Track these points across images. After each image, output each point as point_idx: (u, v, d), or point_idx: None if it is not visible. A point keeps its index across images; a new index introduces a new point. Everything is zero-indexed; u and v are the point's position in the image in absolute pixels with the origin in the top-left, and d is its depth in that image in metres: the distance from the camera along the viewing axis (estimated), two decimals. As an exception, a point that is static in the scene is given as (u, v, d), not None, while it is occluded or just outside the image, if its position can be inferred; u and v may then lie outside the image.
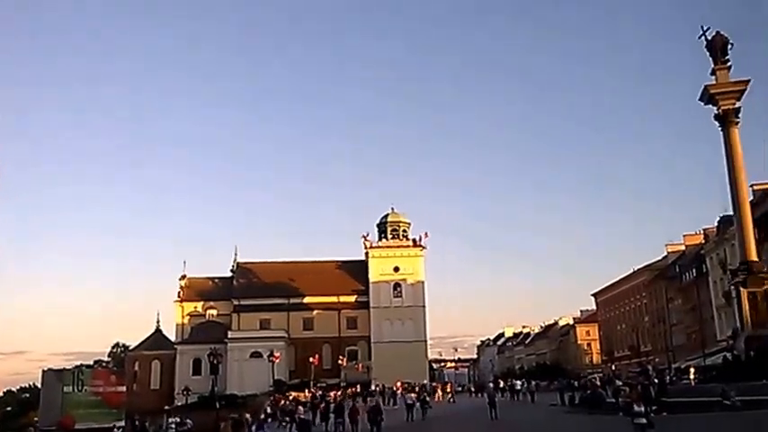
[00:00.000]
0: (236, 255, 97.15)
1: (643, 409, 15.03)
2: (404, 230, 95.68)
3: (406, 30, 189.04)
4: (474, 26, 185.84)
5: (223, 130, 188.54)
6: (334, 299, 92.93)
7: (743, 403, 23.91)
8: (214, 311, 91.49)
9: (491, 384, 53.09)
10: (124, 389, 50.92)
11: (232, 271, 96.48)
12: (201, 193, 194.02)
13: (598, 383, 51.38)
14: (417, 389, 50.40)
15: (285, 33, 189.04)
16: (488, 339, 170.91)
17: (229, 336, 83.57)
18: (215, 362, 47.34)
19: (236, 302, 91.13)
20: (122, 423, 46.17)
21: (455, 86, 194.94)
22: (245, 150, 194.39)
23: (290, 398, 56.21)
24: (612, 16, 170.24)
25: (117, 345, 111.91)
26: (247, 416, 37.01)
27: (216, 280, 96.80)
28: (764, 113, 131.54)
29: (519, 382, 57.89)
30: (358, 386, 66.67)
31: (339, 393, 55.66)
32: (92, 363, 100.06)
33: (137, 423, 46.90)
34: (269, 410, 47.80)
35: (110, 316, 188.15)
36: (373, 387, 68.12)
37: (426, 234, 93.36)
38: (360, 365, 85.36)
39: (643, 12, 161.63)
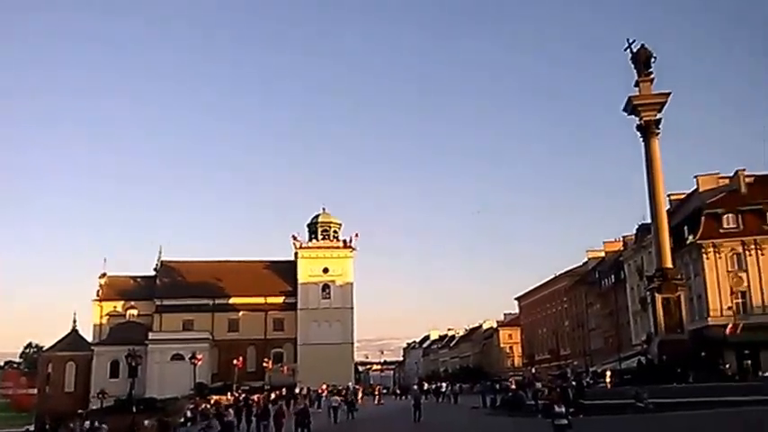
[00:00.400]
0: (160, 253, 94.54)
1: (564, 410, 15.35)
2: (334, 231, 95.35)
3: (338, 29, 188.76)
4: (400, 27, 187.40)
5: (148, 126, 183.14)
6: (261, 300, 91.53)
7: (655, 405, 24.79)
8: (135, 311, 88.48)
9: (416, 387, 53.41)
10: (35, 391, 48.69)
11: (155, 270, 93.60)
12: (125, 189, 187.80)
13: (513, 386, 52.67)
14: (344, 391, 50.14)
15: (212, 26, 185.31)
16: (414, 342, 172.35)
17: (150, 337, 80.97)
18: (134, 364, 45.89)
19: (158, 302, 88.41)
20: (32, 427, 44.09)
21: (392, 87, 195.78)
22: (171, 146, 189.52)
23: (212, 401, 54.94)
24: (542, 26, 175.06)
25: (30, 345, 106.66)
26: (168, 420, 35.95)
27: (138, 279, 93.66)
28: (683, 125, 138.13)
29: (444, 385, 58.51)
30: (284, 389, 65.83)
31: (262, 397, 54.73)
32: (1, 364, 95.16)
33: (47, 427, 44.86)
34: (189, 414, 46.57)
35: (23, 315, 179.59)
36: (298, 390, 67.40)
37: (357, 235, 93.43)
38: (285, 368, 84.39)
39: (572, 22, 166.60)
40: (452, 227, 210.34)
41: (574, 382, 37.47)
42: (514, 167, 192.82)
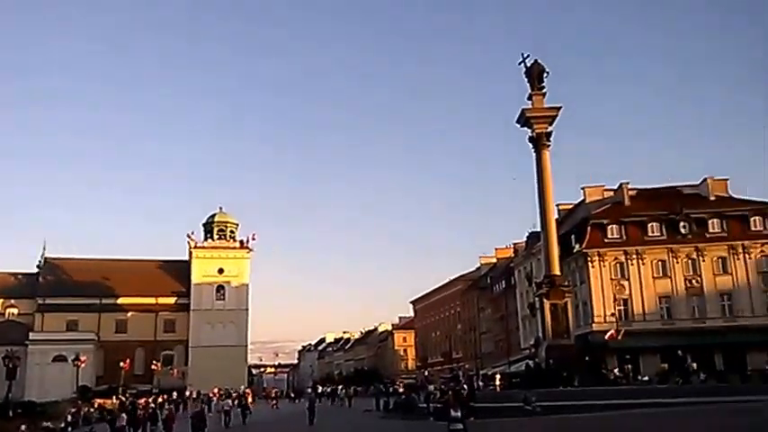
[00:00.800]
0: (44, 249, 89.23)
1: (459, 414, 15.49)
2: (231, 231, 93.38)
3: (220, 30, 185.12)
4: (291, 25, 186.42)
5: (35, 116, 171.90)
6: (151, 300, 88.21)
7: (542, 408, 25.62)
8: (15, 310, 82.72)
9: (310, 390, 53.05)
10: None
11: (39, 267, 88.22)
12: (6, 180, 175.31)
13: (401, 390, 53.39)
14: (236, 395, 49.01)
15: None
16: (310, 345, 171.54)
17: (31, 337, 76.10)
18: (11, 365, 43.08)
19: (40, 301, 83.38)
20: None
21: (280, 88, 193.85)
22: (59, 138, 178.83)
23: (96, 405, 52.28)
24: (442, 37, 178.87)
25: None
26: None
27: (19, 276, 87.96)
28: (573, 138, 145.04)
29: (340, 388, 58.51)
30: (174, 393, 63.60)
31: (149, 400, 52.60)
32: None
33: None
34: (70, 419, 44.06)
35: None
36: (188, 393, 65.38)
37: (254, 236, 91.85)
38: (175, 371, 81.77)
39: (474, 35, 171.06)
40: (350, 229, 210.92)
41: (465, 385, 38.25)
42: (411, 172, 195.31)
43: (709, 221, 53.34)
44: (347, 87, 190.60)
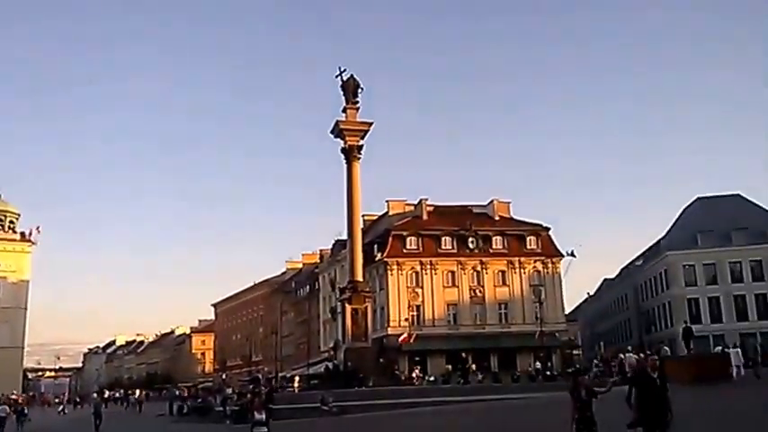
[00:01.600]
0: None
1: (264, 417, 15.87)
2: (11, 222, 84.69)
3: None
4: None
5: None
6: None
7: (339, 408, 26.94)
8: None
9: (95, 395, 50.02)
10: None
11: None
12: None
13: (186, 394, 52.50)
14: (11, 400, 44.95)
15: None
16: (97, 347, 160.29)
17: None
18: None
19: None
20: None
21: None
22: None
23: None
24: (263, 35, 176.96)
25: None
26: None
27: None
28: (381, 152, 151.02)
29: (138, 392, 56.02)
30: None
31: None
32: None
33: None
34: None
35: None
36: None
37: (39, 229, 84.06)
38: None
39: (293, 47, 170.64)
40: (150, 227, 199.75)
41: (264, 387, 38.67)
42: (228, 169, 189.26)
43: (493, 238, 59.11)
44: (159, 90, 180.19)
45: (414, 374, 42.99)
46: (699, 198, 66.17)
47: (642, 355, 35.02)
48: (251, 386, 35.76)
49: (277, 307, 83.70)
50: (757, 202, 63.74)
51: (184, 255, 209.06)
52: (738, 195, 64.96)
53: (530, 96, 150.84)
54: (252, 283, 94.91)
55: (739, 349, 28.70)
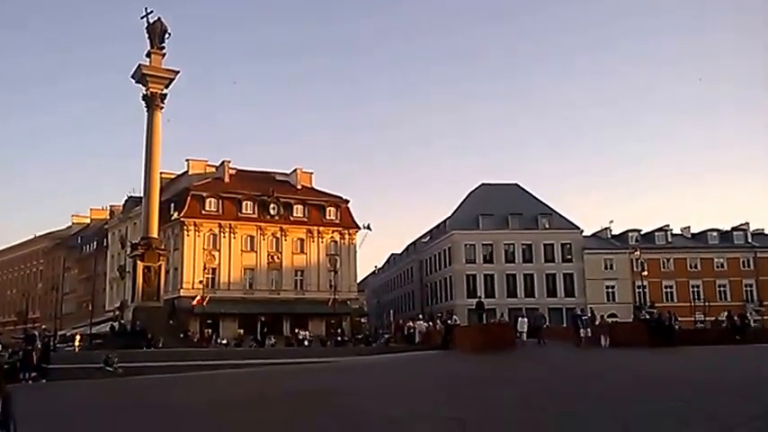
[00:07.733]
0: None
1: (38, 374, 15.36)
2: None
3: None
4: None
5: None
6: None
7: (125, 369, 26.27)
8: None
9: None
10: None
11: None
12: None
13: None
14: None
15: None
16: None
17: None
18: None
19: None
20: None
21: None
22: None
23: None
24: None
25: None
26: None
27: None
28: (185, 107, 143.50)
29: None
30: None
31: None
32: None
33: None
34: None
35: None
36: None
37: None
38: None
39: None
40: None
41: (40, 345, 36.54)
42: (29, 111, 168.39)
43: (295, 206, 60.32)
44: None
45: (206, 335, 43.01)
46: (483, 184, 72.74)
47: (431, 323, 38.77)
48: (24, 344, 33.51)
49: (60, 262, 78.26)
50: (532, 192, 71.60)
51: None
52: (516, 185, 72.39)
53: (339, 69, 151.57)
54: (32, 236, 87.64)
55: (526, 318, 32.87)
